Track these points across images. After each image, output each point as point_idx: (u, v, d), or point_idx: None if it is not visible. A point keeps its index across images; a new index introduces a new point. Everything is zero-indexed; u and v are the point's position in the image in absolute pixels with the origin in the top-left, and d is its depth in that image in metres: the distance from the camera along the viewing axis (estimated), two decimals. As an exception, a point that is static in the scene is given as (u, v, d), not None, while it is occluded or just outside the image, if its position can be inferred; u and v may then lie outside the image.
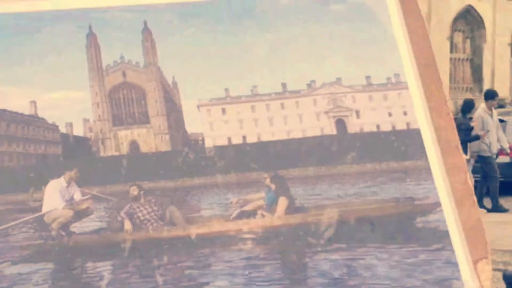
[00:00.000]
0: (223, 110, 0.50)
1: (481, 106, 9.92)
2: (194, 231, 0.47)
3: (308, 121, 0.53)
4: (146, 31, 0.49)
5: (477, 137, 9.43)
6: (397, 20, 0.53)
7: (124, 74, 0.50)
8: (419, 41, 0.51)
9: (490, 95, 10.37)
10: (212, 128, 0.51)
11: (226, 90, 0.49)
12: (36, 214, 0.45)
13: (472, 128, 9.47)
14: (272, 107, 0.52)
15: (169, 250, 0.47)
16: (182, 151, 0.50)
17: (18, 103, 0.45)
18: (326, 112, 0.53)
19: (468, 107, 10.12)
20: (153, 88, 0.50)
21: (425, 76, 0.52)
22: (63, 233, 0.46)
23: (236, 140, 0.52)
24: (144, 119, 0.49)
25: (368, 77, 0.54)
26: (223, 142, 0.51)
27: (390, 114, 0.54)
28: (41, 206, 0.46)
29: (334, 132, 0.54)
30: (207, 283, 0.46)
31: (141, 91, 0.49)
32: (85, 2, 0.49)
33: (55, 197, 0.47)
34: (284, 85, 0.51)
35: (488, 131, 9.63)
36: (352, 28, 0.52)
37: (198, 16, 0.50)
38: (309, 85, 0.52)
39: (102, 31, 0.49)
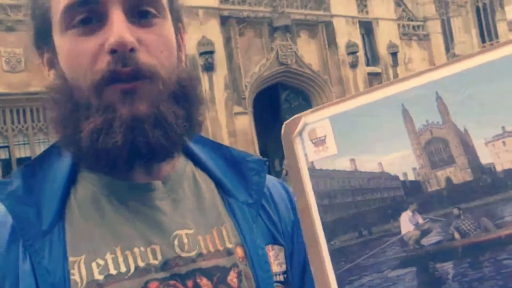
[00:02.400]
0: (504, 143, 0.62)
1: None
2: (503, 232, 0.61)
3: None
4: (439, 99, 0.64)
5: None
6: None
7: (431, 132, 0.65)
8: None
9: None
10: (499, 157, 0.63)
11: (503, 128, 0.61)
12: (399, 236, 0.63)
13: None
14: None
15: (487, 248, 0.61)
16: (482, 178, 0.63)
17: (371, 166, 0.64)
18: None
19: None
20: (452, 138, 0.64)
21: None
22: (417, 246, 0.62)
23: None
24: (451, 161, 0.64)
25: None
26: (508, 166, 0.63)
27: None
28: (399, 230, 0.63)
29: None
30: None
31: (445, 141, 0.64)
32: (394, 89, 0.66)
33: (407, 223, 0.63)
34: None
35: None
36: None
37: (472, 82, 0.63)
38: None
39: (410, 106, 0.65)
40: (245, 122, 22.03)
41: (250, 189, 0.96)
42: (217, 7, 21.83)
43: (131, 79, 0.80)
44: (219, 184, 0.96)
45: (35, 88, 17.34)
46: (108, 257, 0.82)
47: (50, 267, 0.78)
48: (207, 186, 0.95)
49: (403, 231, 0.74)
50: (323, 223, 0.75)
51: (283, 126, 0.78)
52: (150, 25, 0.84)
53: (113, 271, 0.81)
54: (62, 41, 0.83)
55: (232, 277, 0.87)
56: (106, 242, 0.83)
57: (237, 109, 21.82)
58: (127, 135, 0.79)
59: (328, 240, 0.74)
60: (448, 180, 0.75)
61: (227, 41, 22.28)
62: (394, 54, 27.50)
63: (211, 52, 20.96)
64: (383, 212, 0.75)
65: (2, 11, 18.25)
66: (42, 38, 0.88)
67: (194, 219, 0.89)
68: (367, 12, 27.76)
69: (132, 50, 0.79)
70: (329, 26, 25.59)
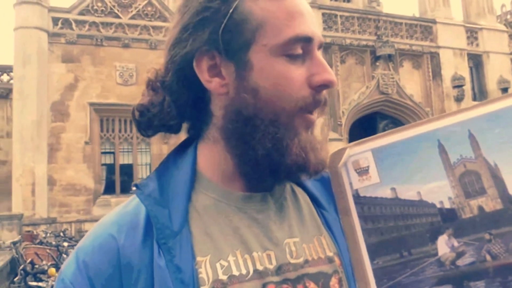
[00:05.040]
0: None
1: None
2: None
3: None
4: (471, 136, 0.70)
5: None
6: None
7: (464, 166, 0.71)
8: None
9: None
10: None
11: None
12: (436, 257, 0.69)
13: None
14: None
15: None
16: (511, 207, 0.68)
17: (411, 194, 0.71)
18: None
19: None
20: (483, 171, 0.69)
21: None
22: (453, 266, 0.68)
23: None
24: (482, 191, 0.69)
25: None
26: None
27: None
28: (437, 252, 0.69)
29: None
30: None
31: (477, 174, 0.70)
32: (431, 126, 0.73)
33: (444, 246, 0.69)
34: None
35: None
36: None
37: (502, 123, 0.68)
38: None
39: (445, 141, 0.72)
40: (339, 149, 21.77)
41: None
42: (320, 34, 21.88)
43: (317, 110, 0.92)
44: (313, 199, 1.04)
45: (143, 101, 18.40)
46: (231, 259, 0.89)
47: (180, 264, 0.85)
48: (304, 199, 1.03)
49: (440, 253, 0.80)
50: (367, 245, 0.83)
51: (329, 156, 0.87)
52: None
53: (235, 272, 0.87)
54: (272, 62, 0.89)
55: (334, 283, 0.94)
56: (228, 245, 0.90)
57: (333, 135, 21.56)
58: (312, 156, 0.90)
59: (372, 260, 0.82)
60: (480, 208, 0.82)
61: (328, 67, 22.23)
62: (504, 90, 25.63)
63: (310, 77, 20.99)
64: (422, 236, 0.82)
65: (120, 29, 19.69)
66: (222, 46, 0.91)
67: (298, 229, 0.97)
68: (477, 45, 26.34)
69: None
70: (434, 57, 24.62)
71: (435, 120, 0.84)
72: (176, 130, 1.01)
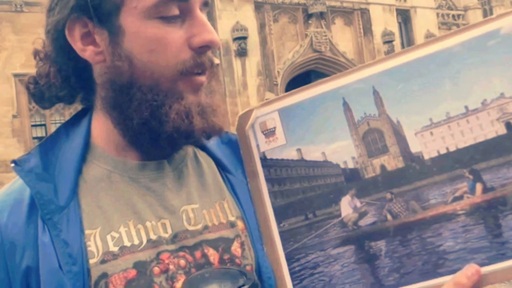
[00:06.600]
0: (431, 133, 0.68)
1: None
2: (428, 213, 0.67)
3: (486, 128, 0.70)
4: (375, 93, 0.69)
5: None
6: None
7: (368, 124, 0.70)
8: None
9: None
10: (426, 146, 0.69)
11: (430, 119, 0.68)
12: (339, 218, 0.70)
13: None
14: (461, 123, 0.69)
15: (415, 227, 0.68)
16: (412, 165, 0.69)
17: (316, 155, 0.70)
18: (497, 119, 0.69)
19: None
20: (386, 129, 0.69)
21: None
22: (355, 227, 0.69)
23: (442, 151, 0.70)
24: (385, 150, 0.69)
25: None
26: (434, 154, 0.69)
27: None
28: (340, 213, 0.70)
29: (505, 132, 0.70)
30: (441, 245, 0.66)
31: (380, 132, 0.70)
32: (336, 83, 0.71)
33: (347, 206, 0.70)
34: (466, 107, 0.69)
35: None
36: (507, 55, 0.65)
37: (405, 77, 0.67)
38: (482, 103, 0.69)
39: (350, 99, 0.71)
40: (277, 109, 22.07)
41: None
42: (252, -7, 21.70)
43: (204, 72, 0.88)
44: (218, 163, 1.02)
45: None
46: (122, 230, 0.87)
47: (68, 239, 0.83)
48: (207, 164, 1.01)
49: (343, 214, 0.80)
50: (273, 208, 0.82)
51: (237, 119, 0.84)
52: None
53: (127, 243, 0.86)
54: (144, 26, 0.84)
55: (235, 247, 0.93)
56: (119, 216, 0.88)
57: (269, 95, 21.80)
58: (198, 121, 0.86)
59: (278, 223, 0.81)
60: (383, 167, 0.81)
61: (261, 27, 22.19)
62: (432, 44, 27.30)
63: (244, 38, 20.92)
64: (326, 197, 0.81)
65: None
66: (93, 12, 0.86)
67: (199, 195, 0.95)
68: (405, 0, 27.09)
69: None
70: (365, 13, 25.12)
71: (340, 77, 0.81)
72: (69, 101, 0.98)
